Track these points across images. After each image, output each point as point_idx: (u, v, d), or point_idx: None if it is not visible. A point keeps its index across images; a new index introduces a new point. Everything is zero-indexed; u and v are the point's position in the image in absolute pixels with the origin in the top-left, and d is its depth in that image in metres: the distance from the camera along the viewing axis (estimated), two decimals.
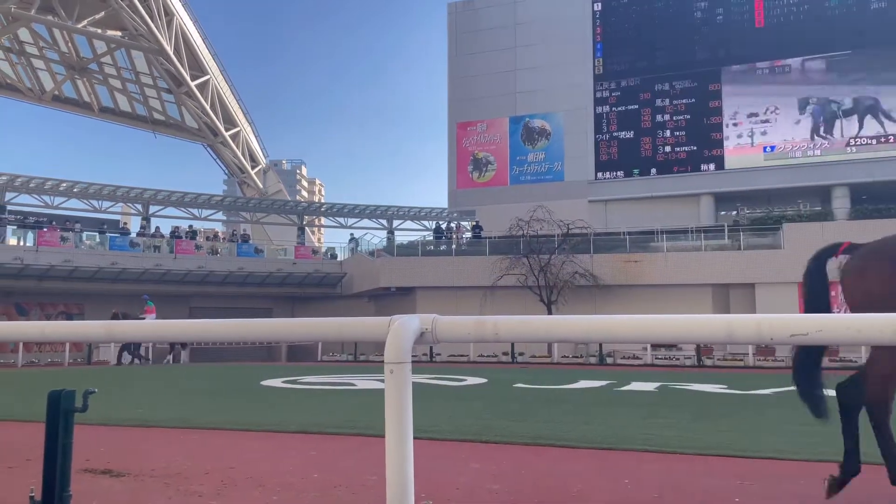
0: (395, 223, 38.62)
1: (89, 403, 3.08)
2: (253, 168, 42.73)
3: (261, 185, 42.80)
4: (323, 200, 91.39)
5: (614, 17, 34.62)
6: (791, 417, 8.05)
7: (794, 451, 5.66)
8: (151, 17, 33.80)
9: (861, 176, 29.32)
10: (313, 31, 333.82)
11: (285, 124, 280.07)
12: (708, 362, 22.46)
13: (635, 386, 12.43)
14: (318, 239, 45.45)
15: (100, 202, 34.86)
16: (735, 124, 32.05)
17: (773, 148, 31.33)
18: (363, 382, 13.22)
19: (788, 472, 4.93)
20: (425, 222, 38.66)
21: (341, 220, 39.33)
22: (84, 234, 31.53)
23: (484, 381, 13.88)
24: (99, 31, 35.57)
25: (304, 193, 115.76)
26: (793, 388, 4.10)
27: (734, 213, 31.65)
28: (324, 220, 42.92)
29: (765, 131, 31.55)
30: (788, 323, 1.55)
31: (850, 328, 1.52)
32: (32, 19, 33.61)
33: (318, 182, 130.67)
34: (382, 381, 1.76)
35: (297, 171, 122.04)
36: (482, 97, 35.83)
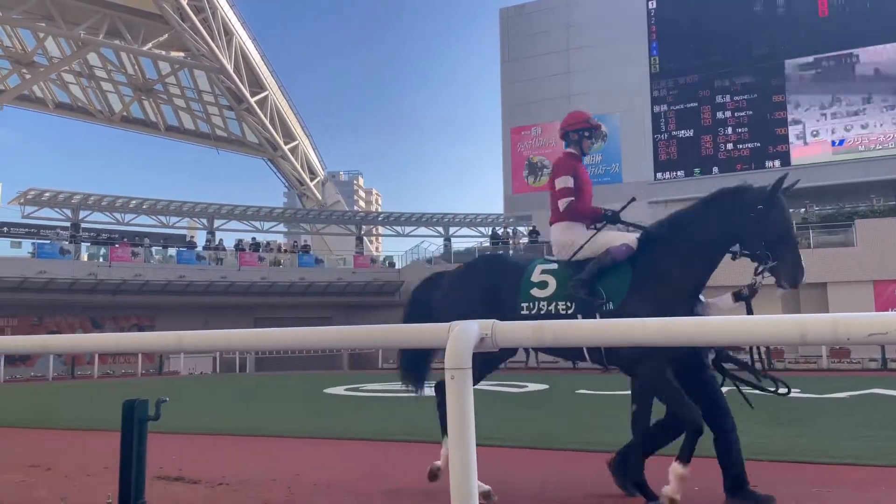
0: (452, 230, 38.61)
1: (161, 412, 3.19)
2: (312, 180, 43.49)
3: (319, 197, 43.51)
4: (380, 210, 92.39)
5: (669, 14, 33.92)
6: (869, 422, 7.71)
7: (872, 456, 5.41)
8: (212, 38, 34.85)
9: None
10: (366, 43, 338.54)
11: (342, 136, 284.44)
12: (779, 366, 21.66)
13: None
14: (377, 248, 45.85)
15: (167, 217, 36.02)
16: (800, 119, 30.96)
17: (841, 142, 30.13)
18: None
19: (866, 478, 4.71)
20: (482, 228, 38.54)
21: (398, 228, 39.62)
22: (153, 249, 32.64)
23: (545, 386, 13.74)
24: (163, 52, 36.86)
25: (362, 203, 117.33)
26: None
27: (802, 210, 30.48)
28: (381, 229, 43.32)
29: (832, 125, 30.37)
30: (866, 322, 1.48)
31: None
32: (101, 44, 35.16)
33: (374, 192, 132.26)
34: None
35: (354, 182, 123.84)
36: (536, 101, 35.59)
